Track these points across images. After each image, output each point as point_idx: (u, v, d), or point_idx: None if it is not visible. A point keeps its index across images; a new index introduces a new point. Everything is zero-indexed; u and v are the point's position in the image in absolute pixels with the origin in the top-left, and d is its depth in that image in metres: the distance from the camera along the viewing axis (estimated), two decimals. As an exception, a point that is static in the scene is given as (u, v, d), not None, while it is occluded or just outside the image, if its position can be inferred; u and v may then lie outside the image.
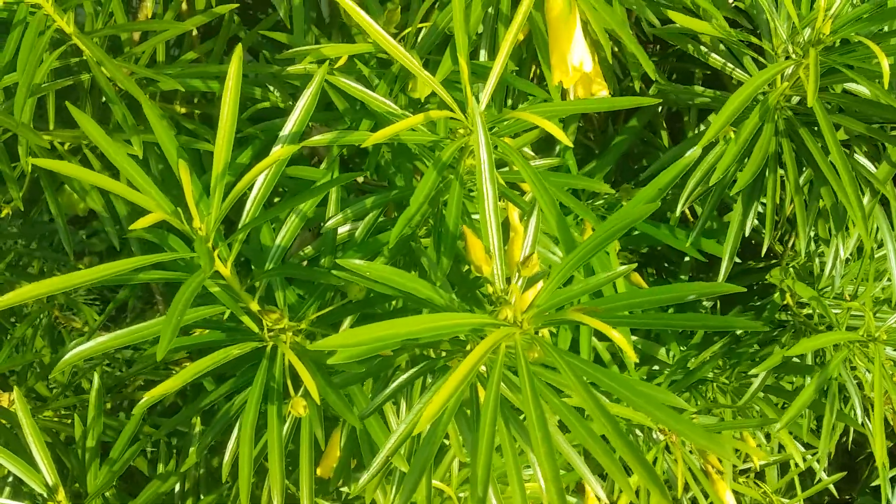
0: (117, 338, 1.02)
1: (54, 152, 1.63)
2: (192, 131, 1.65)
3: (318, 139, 1.10)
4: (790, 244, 1.78)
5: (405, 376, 1.15)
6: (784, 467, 1.93)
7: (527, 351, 0.95)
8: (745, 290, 0.92)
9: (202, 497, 1.69)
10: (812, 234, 1.61)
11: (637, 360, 1.04)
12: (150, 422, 1.77)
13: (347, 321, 1.21)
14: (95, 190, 1.53)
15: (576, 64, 1.20)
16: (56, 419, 1.73)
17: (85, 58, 1.52)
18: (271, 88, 1.60)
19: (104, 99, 1.54)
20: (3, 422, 1.65)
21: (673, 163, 1.42)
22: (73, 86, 1.57)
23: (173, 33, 1.54)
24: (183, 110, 1.70)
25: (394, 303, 1.23)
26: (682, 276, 1.79)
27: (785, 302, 1.70)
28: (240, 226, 1.08)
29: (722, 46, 1.45)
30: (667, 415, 0.89)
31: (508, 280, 1.01)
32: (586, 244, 0.95)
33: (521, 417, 1.21)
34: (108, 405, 1.81)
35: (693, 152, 1.36)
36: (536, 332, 0.96)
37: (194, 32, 1.80)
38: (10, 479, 1.71)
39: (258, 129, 1.52)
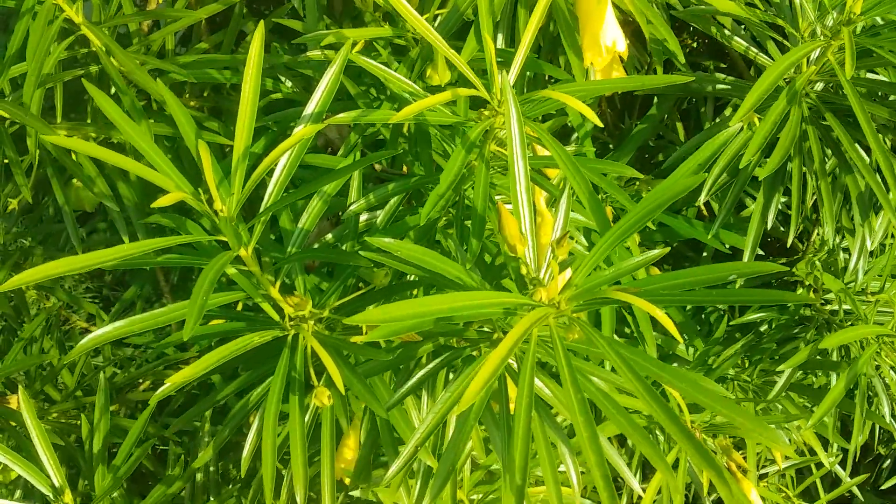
0: (135, 322, 0.98)
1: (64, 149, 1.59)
2: (202, 124, 1.62)
3: (341, 117, 1.06)
4: (811, 239, 1.75)
5: (430, 366, 1.11)
6: (799, 471, 1.90)
7: (565, 332, 0.91)
8: (788, 268, 0.89)
9: (211, 498, 1.65)
10: (836, 226, 1.58)
11: (682, 341, 1.01)
12: (160, 422, 1.74)
13: (370, 309, 1.17)
14: (101, 178, 1.49)
15: (608, 44, 1.17)
16: (64, 420, 1.69)
17: (94, 49, 1.48)
18: (283, 79, 1.57)
19: (113, 90, 1.51)
20: (13, 424, 1.62)
21: (693, 151, 1.39)
22: (81, 77, 1.54)
23: (186, 22, 1.51)
24: (193, 103, 1.67)
25: (416, 291, 1.19)
26: (702, 272, 1.75)
27: (809, 298, 1.67)
28: (262, 209, 1.04)
29: (743, 31, 1.42)
30: (720, 403, 0.86)
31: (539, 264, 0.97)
32: (626, 220, 0.92)
33: (554, 413, 1.18)
34: (116, 406, 1.77)
35: (729, 130, 1.33)
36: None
37: (203, 25, 1.78)
38: (22, 480, 1.67)
39: (270, 119, 1.49)
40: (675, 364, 1.73)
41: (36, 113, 1.41)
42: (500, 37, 1.39)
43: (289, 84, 1.55)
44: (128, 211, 1.50)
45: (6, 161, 1.54)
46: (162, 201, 0.91)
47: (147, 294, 2.00)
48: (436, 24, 1.35)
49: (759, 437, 0.84)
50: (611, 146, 1.89)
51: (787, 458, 1.78)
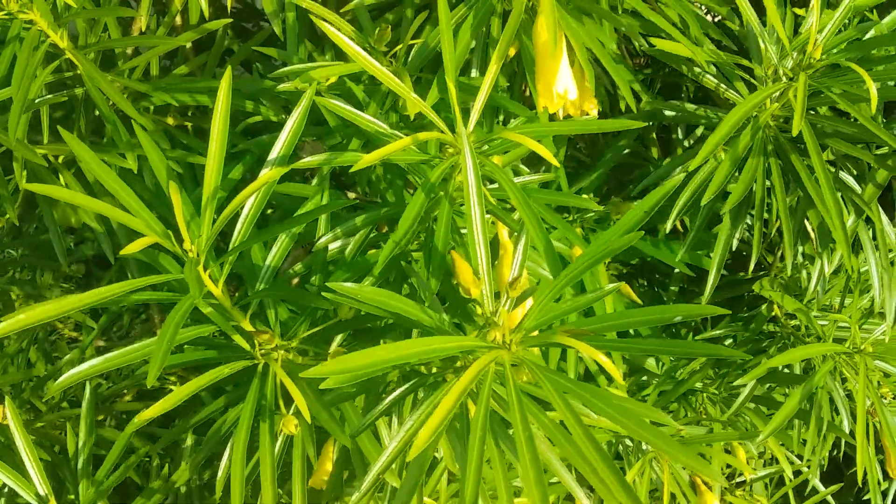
0: (109, 360, 1.03)
1: (49, 166, 1.64)
2: (186, 144, 1.66)
3: (308, 160, 1.11)
4: (779, 255, 1.80)
5: (397, 393, 1.16)
6: (780, 481, 1.94)
7: (515, 373, 0.96)
8: (730, 312, 0.94)
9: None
10: (800, 248, 1.63)
11: (623, 383, 1.06)
12: (142, 430, 1.78)
13: (338, 338, 1.23)
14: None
15: (560, 92, 1.21)
16: (49, 430, 1.74)
17: (79, 72, 1.52)
18: (263, 102, 1.61)
19: (97, 112, 1.55)
20: (-1, 437, 1.66)
21: (662, 181, 1.44)
22: (67, 98, 1.58)
23: (165, 49, 1.55)
24: (176, 123, 1.71)
25: (380, 322, 1.24)
26: (672, 287, 1.80)
27: (773, 313, 1.72)
28: (230, 247, 1.09)
29: (714, 67, 1.47)
30: (648, 431, 0.91)
31: (498, 295, 1.02)
32: (571, 269, 0.97)
33: (510, 430, 1.23)
34: (102, 416, 1.82)
35: (677, 175, 1.38)
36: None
37: (188, 45, 1.81)
38: (6, 489, 1.72)
39: (250, 144, 1.53)
40: (644, 378, 1.78)
41: (22, 138, 1.45)
42: (474, 68, 1.43)
43: (268, 107, 1.59)
44: (116, 234, 1.55)
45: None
46: (132, 247, 0.96)
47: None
48: (409, 58, 1.40)
49: (690, 466, 0.89)
50: (588, 160, 1.93)
51: (763, 465, 1.83)
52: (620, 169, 2.00)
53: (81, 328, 2.12)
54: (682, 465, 1.53)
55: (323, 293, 1.02)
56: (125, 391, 1.86)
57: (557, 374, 0.98)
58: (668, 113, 1.52)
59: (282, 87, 1.31)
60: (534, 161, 1.68)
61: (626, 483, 0.84)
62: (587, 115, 1.36)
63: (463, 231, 1.26)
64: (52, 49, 1.50)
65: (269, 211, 1.62)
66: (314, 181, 1.37)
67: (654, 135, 1.96)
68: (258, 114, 1.60)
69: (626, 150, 1.73)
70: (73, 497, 1.52)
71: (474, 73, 1.44)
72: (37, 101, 1.52)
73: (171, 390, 2.04)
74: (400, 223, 1.05)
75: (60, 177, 1.60)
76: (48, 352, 1.85)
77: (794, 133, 1.20)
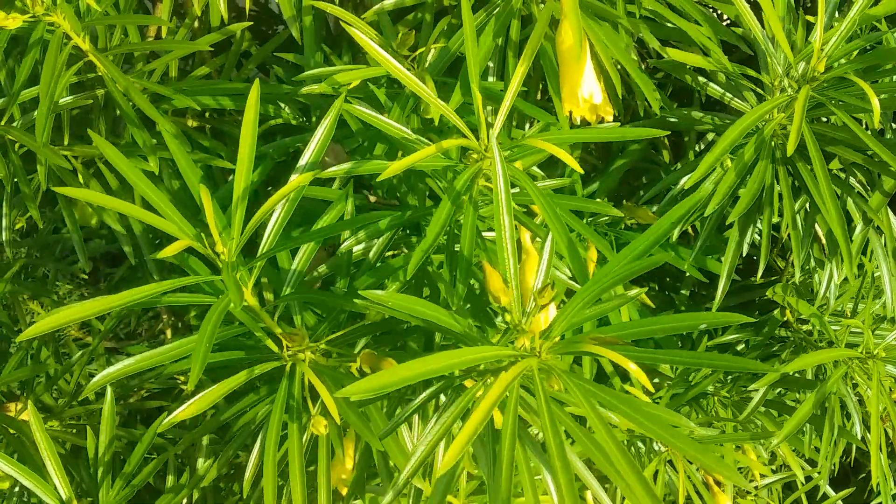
0: (143, 360, 1.05)
1: (69, 167, 1.65)
2: (205, 147, 1.68)
3: (334, 170, 1.13)
4: (790, 260, 1.82)
5: (422, 396, 1.17)
6: (788, 486, 1.96)
7: (545, 381, 0.98)
8: (754, 320, 0.95)
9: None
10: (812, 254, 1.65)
11: (652, 389, 1.08)
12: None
13: (362, 341, 1.24)
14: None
15: (586, 97, 1.23)
16: (61, 429, 1.75)
17: (100, 73, 1.54)
18: (283, 105, 1.63)
19: (118, 112, 1.56)
20: (12, 431, 1.67)
21: (672, 186, 1.46)
22: (91, 100, 1.60)
23: (185, 52, 1.57)
24: (195, 124, 1.73)
25: (406, 326, 1.26)
26: (683, 291, 1.82)
27: (785, 318, 1.74)
28: (259, 253, 1.11)
29: (721, 76, 1.48)
30: (667, 432, 0.93)
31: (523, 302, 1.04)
32: (596, 282, 0.98)
33: (535, 433, 1.25)
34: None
35: (706, 186, 1.40)
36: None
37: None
38: (17, 488, 1.72)
39: (270, 147, 1.54)
40: (657, 380, 1.80)
41: (46, 140, 1.46)
42: (490, 74, 1.45)
43: (288, 111, 1.61)
44: (136, 238, 1.56)
45: (15, 180, 1.59)
46: (167, 251, 0.98)
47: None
48: (428, 62, 1.41)
49: (706, 465, 0.91)
50: (600, 164, 1.95)
51: (775, 470, 1.85)
52: (631, 173, 2.02)
53: (89, 328, 2.13)
54: (716, 474, 1.55)
55: (353, 299, 1.04)
56: (134, 389, 1.87)
57: (587, 381, 1.00)
58: (672, 120, 1.54)
59: (304, 90, 1.33)
60: (547, 164, 1.70)
61: (648, 484, 0.86)
62: (603, 120, 1.39)
63: (485, 235, 1.28)
64: (74, 51, 1.51)
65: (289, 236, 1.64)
66: (335, 185, 1.39)
67: (666, 140, 1.98)
68: (279, 117, 1.61)
69: (639, 155, 1.75)
70: (90, 500, 1.52)
71: (491, 78, 1.46)
72: (60, 102, 1.54)
73: (181, 391, 2.06)
74: (428, 231, 1.07)
75: (79, 177, 1.62)
76: (57, 349, 1.86)
77: (790, 147, 1.22)
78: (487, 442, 1.17)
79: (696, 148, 1.85)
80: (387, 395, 1.20)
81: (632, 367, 0.91)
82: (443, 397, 1.28)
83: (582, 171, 1.14)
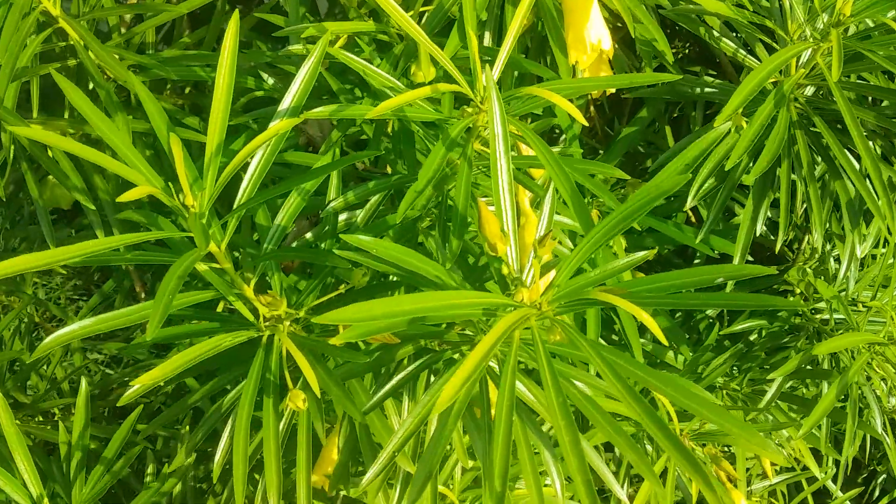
0: (101, 321, 0.95)
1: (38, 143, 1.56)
2: (182, 122, 1.59)
3: (319, 111, 1.03)
4: (801, 248, 1.73)
5: (410, 369, 1.08)
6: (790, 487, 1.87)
7: (547, 335, 0.88)
8: (776, 271, 0.86)
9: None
10: (826, 233, 1.55)
11: (667, 344, 0.98)
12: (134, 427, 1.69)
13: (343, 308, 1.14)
14: (76, 173, 1.45)
15: (594, 41, 1.14)
16: (34, 424, 1.64)
17: (72, 42, 1.45)
18: (265, 77, 1.53)
19: (91, 86, 1.47)
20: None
21: (679, 153, 1.36)
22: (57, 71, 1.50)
23: (167, 17, 1.48)
24: (172, 100, 1.64)
25: (396, 291, 1.16)
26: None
27: (799, 304, 1.64)
28: (235, 206, 1.01)
29: (734, 36, 1.40)
30: (709, 409, 0.82)
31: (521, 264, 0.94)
32: (610, 219, 0.88)
33: (539, 420, 1.14)
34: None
35: (716, 131, 1.30)
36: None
37: (184, 21, 1.74)
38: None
39: (251, 116, 1.45)
40: (665, 371, 1.70)
41: (10, 107, 1.37)
42: (486, 35, 1.37)
43: (270, 81, 1.52)
44: (104, 208, 1.46)
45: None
46: (129, 194, 0.88)
47: (127, 289, 1.96)
48: (421, 22, 1.33)
49: (749, 444, 0.81)
50: (600, 151, 1.87)
51: (778, 471, 1.75)
52: (633, 157, 1.94)
53: (65, 323, 2.02)
54: (720, 459, 1.45)
55: (337, 251, 0.94)
56: (115, 385, 1.76)
57: (597, 342, 0.90)
58: (690, 89, 1.45)
59: (292, 47, 1.24)
60: (548, 139, 1.61)
61: (687, 451, 0.75)
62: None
63: (483, 199, 1.19)
64: (44, 17, 1.42)
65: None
66: (321, 150, 1.29)
67: (669, 125, 1.90)
68: (260, 89, 1.52)
69: (644, 131, 1.66)
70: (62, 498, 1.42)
71: (487, 41, 1.37)
72: (27, 69, 1.44)
73: (163, 393, 1.95)
74: (420, 174, 0.97)
75: (49, 152, 1.52)
76: (32, 344, 1.76)
77: (835, 78, 1.12)
78: (483, 426, 1.07)
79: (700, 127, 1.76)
80: (372, 368, 1.10)
81: (645, 316, 0.80)
82: (433, 377, 1.19)
83: (585, 122, 1.05)
